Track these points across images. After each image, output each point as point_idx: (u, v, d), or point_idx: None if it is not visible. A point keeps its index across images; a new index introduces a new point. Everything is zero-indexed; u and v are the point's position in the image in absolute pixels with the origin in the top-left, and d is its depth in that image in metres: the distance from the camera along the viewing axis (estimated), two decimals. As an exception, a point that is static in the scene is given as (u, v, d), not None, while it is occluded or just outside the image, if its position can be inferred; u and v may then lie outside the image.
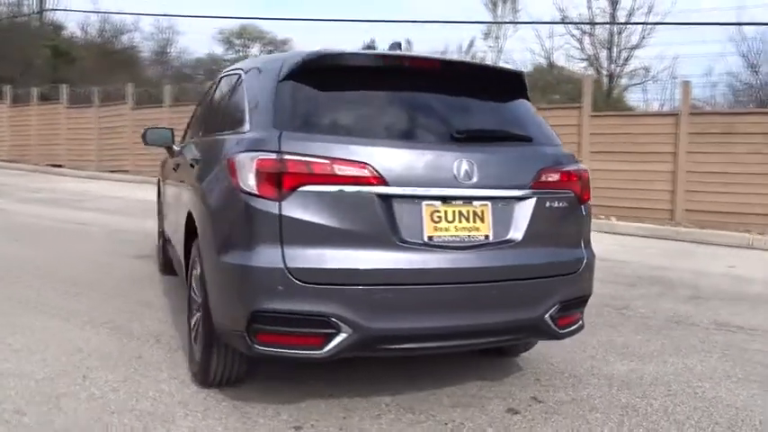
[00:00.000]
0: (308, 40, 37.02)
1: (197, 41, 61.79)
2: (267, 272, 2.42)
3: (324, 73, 2.70)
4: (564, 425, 2.82)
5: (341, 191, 2.45)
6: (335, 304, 2.42)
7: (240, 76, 3.29)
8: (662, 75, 16.80)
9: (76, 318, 4.13)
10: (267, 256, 2.42)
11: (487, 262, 2.62)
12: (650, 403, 3.12)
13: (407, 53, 2.84)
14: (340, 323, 2.42)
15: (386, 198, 2.50)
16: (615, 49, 15.69)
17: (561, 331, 2.86)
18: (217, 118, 3.54)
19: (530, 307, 2.73)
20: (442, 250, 2.56)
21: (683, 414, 3.00)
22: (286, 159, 2.44)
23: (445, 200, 2.58)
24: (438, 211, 2.57)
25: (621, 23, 15.19)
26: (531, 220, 2.71)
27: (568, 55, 16.07)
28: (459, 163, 2.59)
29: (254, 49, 41.74)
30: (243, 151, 2.54)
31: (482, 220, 2.64)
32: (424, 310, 2.54)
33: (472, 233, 2.62)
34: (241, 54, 41.28)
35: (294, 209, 2.42)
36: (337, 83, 2.71)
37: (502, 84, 3.04)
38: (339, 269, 2.43)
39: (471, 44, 25.93)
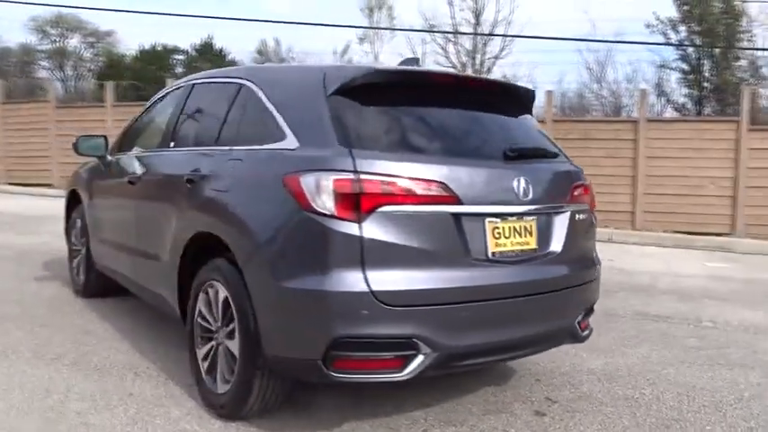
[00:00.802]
0: (136, 34, 34.36)
1: (7, 30, 55.26)
2: (351, 296, 2.32)
3: (375, 88, 2.64)
4: (591, 421, 3.02)
5: (418, 211, 2.42)
6: (417, 325, 2.39)
7: (243, 86, 3.08)
8: (521, 83, 18.00)
9: (17, 354, 3.60)
10: (350, 280, 2.32)
11: (539, 274, 2.73)
12: (642, 393, 3.43)
13: (450, 71, 2.85)
14: (420, 344, 2.40)
15: (458, 216, 2.51)
16: (479, 58, 16.75)
17: (583, 334, 3.06)
18: (208, 130, 3.28)
19: (568, 314, 2.90)
20: (503, 265, 2.63)
21: (674, 400, 3.34)
22: (364, 179, 2.35)
23: (503, 216, 2.65)
24: (498, 228, 2.63)
25: (485, 34, 16.25)
26: (567, 233, 2.87)
27: (437, 63, 16.84)
28: (518, 181, 2.68)
29: (74, 39, 38.12)
30: (309, 170, 2.40)
31: (531, 234, 2.75)
32: (492, 324, 2.59)
33: (524, 247, 2.71)
34: (58, 45, 37.50)
35: (373, 230, 2.35)
36: (389, 99, 2.66)
37: (520, 101, 3.17)
38: (420, 290, 2.40)
39: (346, 49, 25.82)
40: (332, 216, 2.34)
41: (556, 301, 2.81)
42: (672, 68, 15.87)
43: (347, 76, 2.62)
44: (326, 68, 2.75)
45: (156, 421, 2.81)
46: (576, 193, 2.99)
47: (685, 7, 14.62)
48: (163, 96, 4.13)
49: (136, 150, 4.14)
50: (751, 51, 14.47)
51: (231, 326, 2.73)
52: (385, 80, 2.68)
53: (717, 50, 14.33)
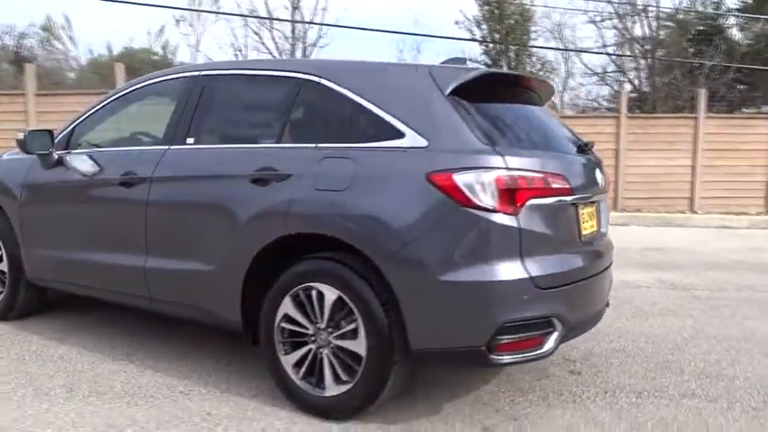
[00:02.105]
0: None
1: None
2: (516, 283, 2.52)
3: (486, 88, 2.84)
4: (615, 372, 3.56)
5: (551, 201, 2.70)
6: (556, 304, 2.67)
7: (310, 82, 3.00)
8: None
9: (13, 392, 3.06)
10: (513, 268, 2.52)
11: (604, 253, 3.17)
12: (623, 345, 4.08)
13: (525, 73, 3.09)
14: (556, 321, 2.68)
15: (571, 205, 2.83)
16: (301, 46, 16.59)
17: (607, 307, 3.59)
18: (258, 126, 3.13)
19: (610, 287, 3.39)
20: (589, 246, 3.02)
21: (650, 347, 4.02)
22: (516, 175, 2.55)
23: (585, 203, 3.03)
24: (584, 214, 3.00)
25: (309, 23, 16.21)
26: (607, 216, 3.35)
27: (256, 50, 16.25)
28: (597, 171, 3.07)
29: None
30: (466, 168, 2.52)
31: (594, 218, 3.16)
32: (589, 299, 2.97)
33: (592, 230, 3.12)
34: None
35: (526, 221, 2.57)
36: (496, 98, 2.88)
37: (548, 98, 3.55)
38: (559, 272, 2.69)
39: (162, 30, 23.40)
40: (494, 210, 2.51)
41: (608, 276, 3.29)
42: (477, 62, 17.67)
43: (465, 76, 2.75)
44: (429, 67, 2.84)
45: (272, 435, 2.69)
46: (605, 181, 3.48)
47: (487, 8, 16.52)
48: (137, 89, 3.69)
49: (109, 147, 3.69)
50: (537, 49, 16.97)
51: (350, 326, 2.72)
52: (494, 81, 2.89)
53: (512, 47, 16.45)
